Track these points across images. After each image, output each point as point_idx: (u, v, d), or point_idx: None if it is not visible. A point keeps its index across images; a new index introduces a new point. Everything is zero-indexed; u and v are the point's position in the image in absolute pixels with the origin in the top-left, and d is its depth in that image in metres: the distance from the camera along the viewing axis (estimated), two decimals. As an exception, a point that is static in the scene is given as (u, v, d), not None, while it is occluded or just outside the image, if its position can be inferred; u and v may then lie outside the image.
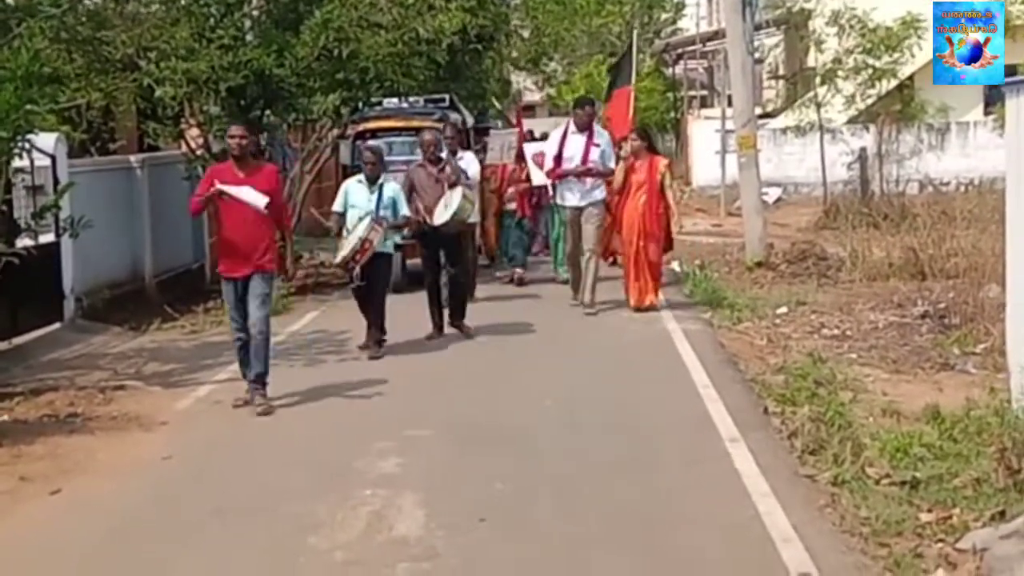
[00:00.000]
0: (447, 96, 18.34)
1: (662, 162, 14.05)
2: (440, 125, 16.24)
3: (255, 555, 6.34)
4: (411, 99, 17.55)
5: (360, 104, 16.91)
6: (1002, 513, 6.40)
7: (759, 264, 17.06)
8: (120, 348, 12.64)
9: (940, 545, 6.13)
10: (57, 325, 13.21)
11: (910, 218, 19.20)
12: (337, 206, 11.93)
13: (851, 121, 26.92)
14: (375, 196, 11.67)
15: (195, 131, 16.28)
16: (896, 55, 23.62)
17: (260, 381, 9.66)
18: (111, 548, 6.54)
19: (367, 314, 11.91)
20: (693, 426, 8.84)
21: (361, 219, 11.40)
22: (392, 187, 11.91)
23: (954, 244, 15.38)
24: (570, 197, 13.90)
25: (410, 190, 12.33)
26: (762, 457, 7.83)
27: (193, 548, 6.50)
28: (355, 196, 11.75)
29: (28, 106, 9.79)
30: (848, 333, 12.39)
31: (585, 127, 13.89)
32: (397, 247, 13.44)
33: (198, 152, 16.18)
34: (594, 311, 13.72)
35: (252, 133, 10.10)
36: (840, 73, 24.09)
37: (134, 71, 14.57)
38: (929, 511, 6.63)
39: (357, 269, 11.39)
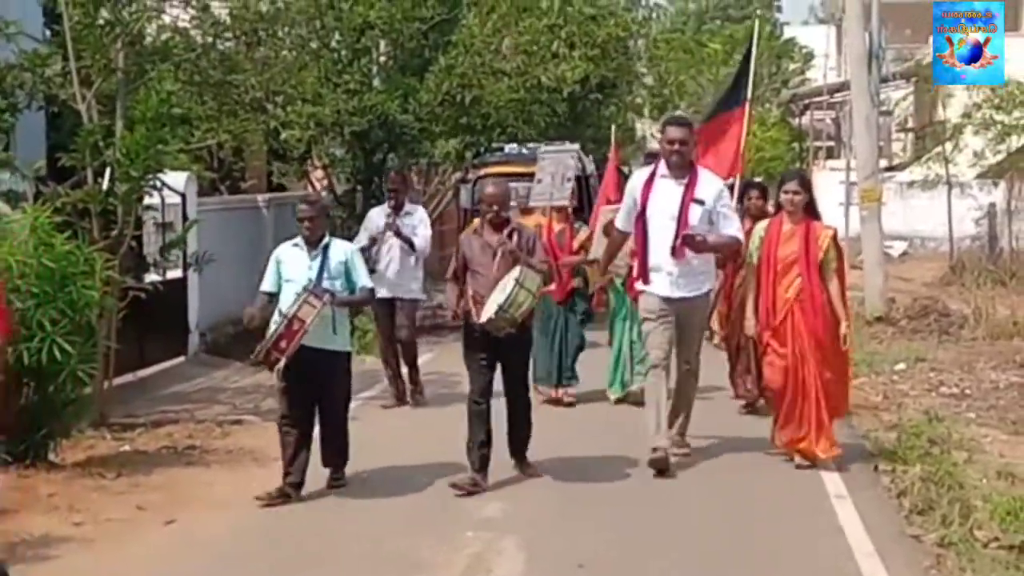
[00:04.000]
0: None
1: (825, 232, 8.97)
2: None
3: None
4: (532, 145, 17.73)
5: (482, 149, 17.16)
6: (1110, 581, 6.27)
7: (879, 319, 16.84)
8: (240, 383, 12.91)
9: (1043, 611, 6.02)
10: (181, 359, 13.58)
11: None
12: (266, 284, 8.47)
13: (980, 176, 26.50)
14: (317, 262, 8.31)
15: (320, 172, 16.68)
16: (1027, 112, 23.23)
17: None
18: (219, 579, 6.72)
19: (289, 443, 8.27)
20: (799, 482, 8.74)
21: (298, 295, 8.07)
22: (343, 248, 8.54)
23: (1081, 304, 15.08)
24: (659, 282, 8.90)
25: (463, 268, 8.57)
26: (868, 515, 7.74)
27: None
28: (290, 266, 8.37)
29: (158, 146, 10.18)
30: (967, 392, 12.18)
31: (683, 169, 8.88)
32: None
33: (323, 192, 16.56)
34: (686, 450, 9.40)
35: None
36: (968, 128, 23.74)
37: (262, 114, 15.00)
38: (1036, 576, 6.52)
39: (282, 362, 7.89)
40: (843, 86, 33.71)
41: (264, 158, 18.43)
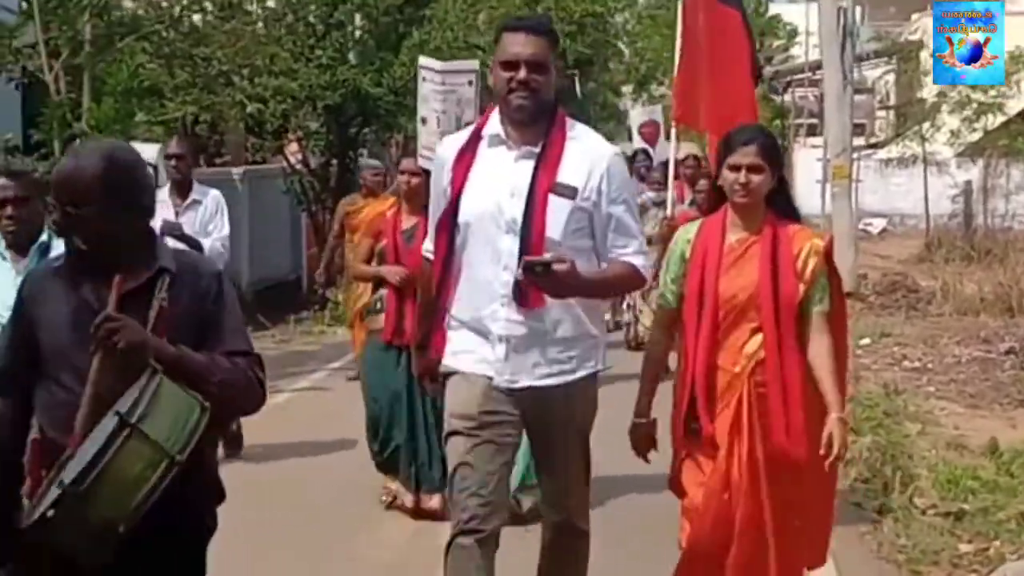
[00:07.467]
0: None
1: (810, 245, 4.51)
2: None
3: (293, 556, 6.60)
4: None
5: (457, 124, 17.28)
6: (1041, 547, 6.42)
7: (848, 295, 16.88)
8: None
9: (972, 575, 6.16)
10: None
11: (1014, 253, 19.00)
12: None
13: (960, 154, 26.63)
14: None
15: (294, 146, 16.78)
16: (1003, 89, 23.31)
17: None
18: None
19: None
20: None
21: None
22: None
23: (1045, 280, 15.25)
24: (479, 354, 4.35)
25: (21, 366, 3.32)
26: (813, 483, 7.87)
27: (244, 549, 6.76)
28: None
29: (127, 118, 10.29)
30: (929, 366, 12.31)
31: (533, 125, 4.29)
32: None
33: (297, 167, 16.66)
34: None
35: None
36: (945, 107, 23.87)
37: (230, 87, 15.11)
38: (969, 542, 6.65)
39: None
40: (824, 63, 33.90)
41: (242, 132, 18.52)
